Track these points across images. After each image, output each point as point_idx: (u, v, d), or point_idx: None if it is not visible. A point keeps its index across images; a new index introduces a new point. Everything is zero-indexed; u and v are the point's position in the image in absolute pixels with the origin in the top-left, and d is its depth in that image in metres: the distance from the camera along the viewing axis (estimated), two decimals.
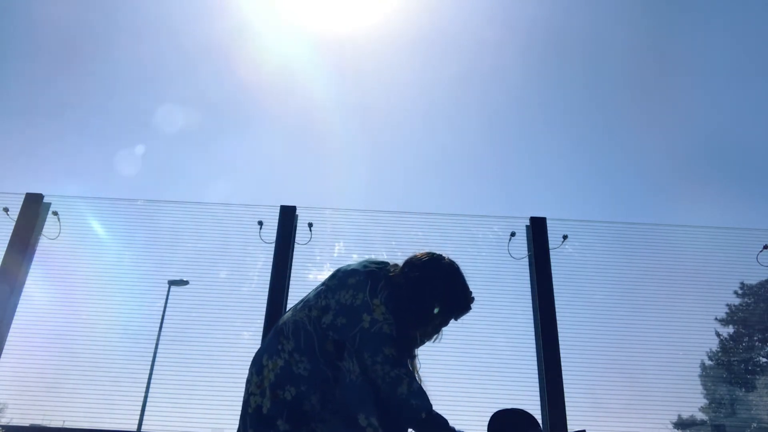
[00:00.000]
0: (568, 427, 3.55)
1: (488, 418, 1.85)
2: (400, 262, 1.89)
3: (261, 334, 3.77)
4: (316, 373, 1.64)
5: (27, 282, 4.02)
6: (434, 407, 1.67)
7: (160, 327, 4.05)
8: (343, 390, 1.62)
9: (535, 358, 3.84)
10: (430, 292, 1.77)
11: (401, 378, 1.62)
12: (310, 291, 1.85)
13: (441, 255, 1.86)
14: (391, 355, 1.63)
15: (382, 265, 1.82)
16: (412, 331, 1.78)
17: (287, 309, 2.08)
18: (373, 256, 2.19)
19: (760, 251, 4.13)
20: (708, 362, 4.32)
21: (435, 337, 1.86)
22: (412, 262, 1.83)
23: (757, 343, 4.88)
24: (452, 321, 1.86)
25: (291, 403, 1.60)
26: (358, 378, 1.62)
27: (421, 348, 1.86)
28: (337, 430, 1.59)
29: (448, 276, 1.82)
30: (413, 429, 1.63)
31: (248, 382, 1.72)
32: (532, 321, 3.97)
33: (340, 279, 1.76)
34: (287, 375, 1.63)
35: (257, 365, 1.71)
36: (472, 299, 1.84)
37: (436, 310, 1.78)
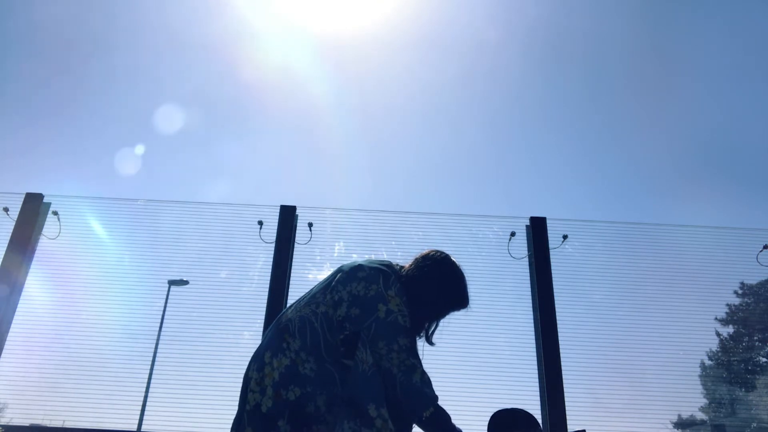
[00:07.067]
0: (568, 427, 3.55)
1: (488, 418, 1.85)
2: (401, 261, 1.92)
3: (261, 333, 3.77)
4: (323, 373, 1.63)
5: (27, 282, 4.02)
6: None
7: (160, 327, 4.05)
8: (355, 379, 1.61)
9: (535, 358, 3.84)
10: (446, 283, 1.84)
11: (416, 367, 1.64)
12: (312, 288, 1.85)
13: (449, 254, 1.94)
14: (405, 345, 1.65)
15: (387, 263, 1.85)
16: (423, 322, 1.86)
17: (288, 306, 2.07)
18: (373, 256, 2.20)
19: (760, 251, 4.13)
20: (708, 362, 4.32)
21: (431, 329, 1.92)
22: (428, 256, 1.89)
23: (757, 343, 4.88)
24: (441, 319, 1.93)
25: (294, 403, 1.59)
26: (370, 369, 1.61)
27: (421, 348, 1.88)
28: (339, 428, 1.59)
29: (458, 272, 1.89)
30: (420, 418, 1.64)
31: (247, 378, 1.70)
32: (532, 321, 3.97)
33: (348, 273, 1.76)
34: (292, 375, 1.62)
35: (258, 362, 1.68)
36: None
37: (447, 301, 1.86)
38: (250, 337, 3.92)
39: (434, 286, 1.82)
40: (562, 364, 3.74)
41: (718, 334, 4.42)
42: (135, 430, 3.71)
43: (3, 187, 4.31)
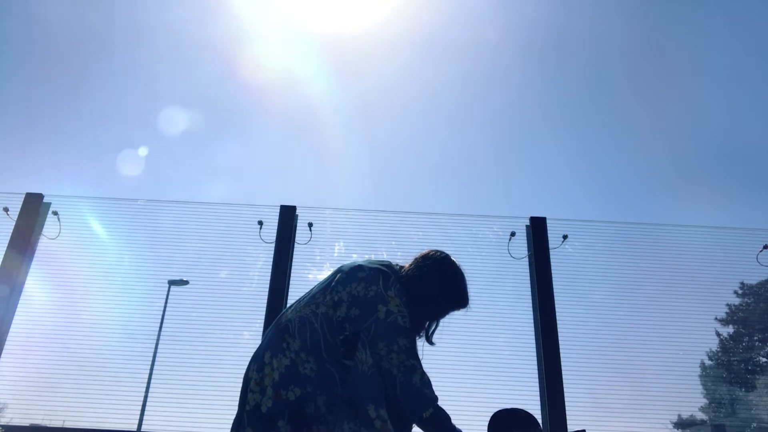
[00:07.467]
0: (568, 427, 3.55)
1: (488, 418, 1.85)
2: (401, 261, 1.92)
3: (261, 333, 3.77)
4: (323, 373, 1.64)
5: (27, 282, 4.02)
6: None
7: (160, 327, 4.05)
8: (355, 380, 1.61)
9: (535, 358, 3.84)
10: (446, 283, 1.84)
11: (416, 368, 1.64)
12: (312, 288, 1.85)
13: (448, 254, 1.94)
14: (405, 346, 1.65)
15: (386, 264, 1.85)
16: (423, 322, 1.86)
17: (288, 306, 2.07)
18: (373, 257, 2.20)
19: (760, 251, 4.13)
20: (708, 362, 4.32)
21: (431, 329, 1.92)
22: (428, 256, 1.88)
23: (757, 343, 4.88)
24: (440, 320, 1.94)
25: (294, 403, 1.59)
26: (370, 369, 1.62)
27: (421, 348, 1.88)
28: (339, 429, 1.59)
29: (458, 272, 1.88)
30: (420, 419, 1.64)
31: (247, 378, 1.71)
32: (532, 321, 3.97)
33: (348, 273, 1.76)
34: (292, 375, 1.62)
35: (258, 362, 1.69)
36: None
37: (447, 301, 1.85)
38: (250, 337, 3.92)
39: (434, 286, 1.82)
40: (562, 364, 3.74)
41: (718, 334, 4.42)
42: (135, 430, 3.71)
43: (3, 187, 4.32)
